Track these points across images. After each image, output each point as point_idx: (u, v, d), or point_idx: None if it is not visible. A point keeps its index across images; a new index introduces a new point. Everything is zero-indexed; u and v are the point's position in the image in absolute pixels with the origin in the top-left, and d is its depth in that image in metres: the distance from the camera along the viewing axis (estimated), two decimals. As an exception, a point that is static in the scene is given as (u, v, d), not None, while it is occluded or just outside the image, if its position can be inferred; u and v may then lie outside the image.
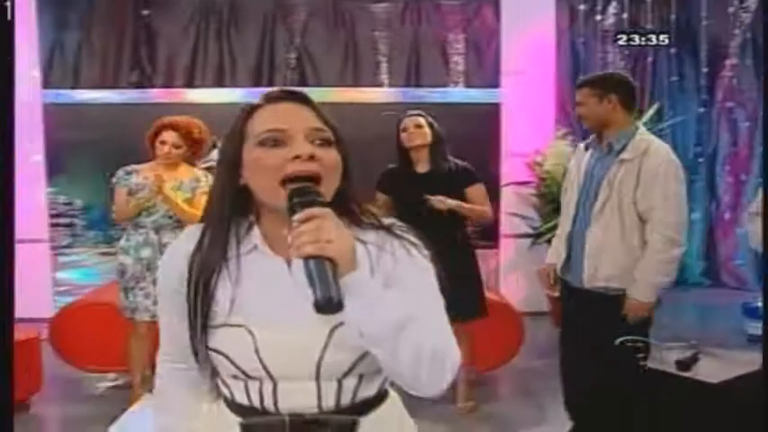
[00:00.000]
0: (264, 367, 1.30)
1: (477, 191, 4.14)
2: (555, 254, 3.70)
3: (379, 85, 7.42)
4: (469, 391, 4.37)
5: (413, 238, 1.38)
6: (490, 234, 6.85)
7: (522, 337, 4.79)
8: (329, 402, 1.32)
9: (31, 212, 6.35)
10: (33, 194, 6.41)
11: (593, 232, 3.41)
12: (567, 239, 3.56)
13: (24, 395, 4.41)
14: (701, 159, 7.73)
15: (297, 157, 1.26)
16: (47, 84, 6.83)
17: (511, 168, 6.76)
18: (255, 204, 1.36)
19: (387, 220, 1.40)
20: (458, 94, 7.26)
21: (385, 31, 7.44)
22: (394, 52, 7.46)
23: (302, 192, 1.23)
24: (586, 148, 3.58)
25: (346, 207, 1.36)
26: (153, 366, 1.54)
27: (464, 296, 4.07)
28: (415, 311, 1.24)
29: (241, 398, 1.35)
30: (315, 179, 1.26)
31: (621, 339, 3.22)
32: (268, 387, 1.32)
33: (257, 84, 7.30)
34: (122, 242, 4.18)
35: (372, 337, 1.22)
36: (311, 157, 1.26)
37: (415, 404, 4.59)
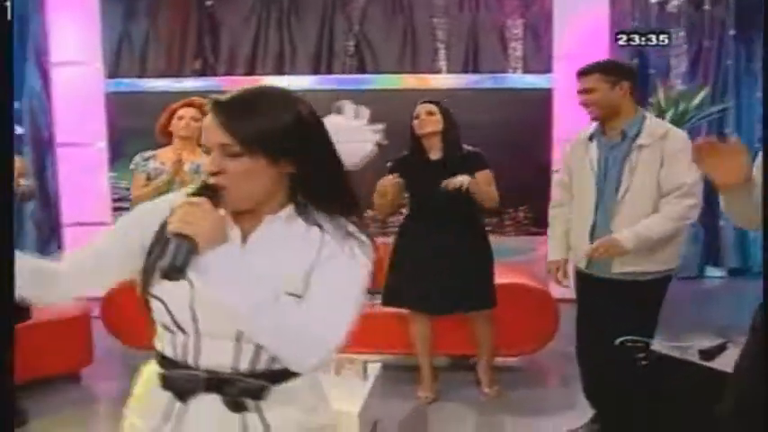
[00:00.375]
0: (194, 319, 1.46)
1: (483, 176, 4.11)
2: (561, 249, 3.66)
3: (438, 71, 7.45)
4: (492, 376, 4.40)
5: (364, 238, 1.51)
6: (541, 220, 6.81)
7: (556, 322, 4.68)
8: (245, 365, 1.47)
9: (95, 197, 6.68)
10: (97, 179, 6.72)
11: (620, 219, 3.35)
12: (591, 232, 3.46)
13: (76, 368, 4.68)
14: (756, 144, 7.49)
15: (209, 170, 1.44)
16: (115, 73, 7.14)
17: (562, 154, 6.67)
18: None
19: (351, 219, 1.53)
20: (515, 79, 7.22)
21: (443, 18, 7.47)
22: (452, 38, 7.49)
23: (199, 188, 1.45)
24: (590, 139, 3.50)
25: (315, 196, 1.51)
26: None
27: (474, 288, 4.16)
28: (276, 293, 1.38)
29: (168, 351, 1.52)
30: (220, 188, 1.43)
31: (621, 340, 3.19)
32: (191, 342, 1.48)
33: (316, 71, 7.45)
34: None
35: (230, 309, 1.37)
36: (216, 173, 1.43)
37: (444, 388, 4.63)
